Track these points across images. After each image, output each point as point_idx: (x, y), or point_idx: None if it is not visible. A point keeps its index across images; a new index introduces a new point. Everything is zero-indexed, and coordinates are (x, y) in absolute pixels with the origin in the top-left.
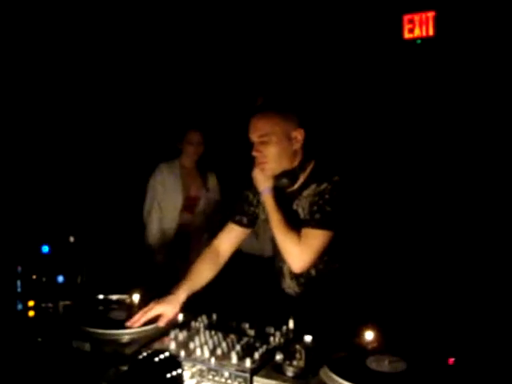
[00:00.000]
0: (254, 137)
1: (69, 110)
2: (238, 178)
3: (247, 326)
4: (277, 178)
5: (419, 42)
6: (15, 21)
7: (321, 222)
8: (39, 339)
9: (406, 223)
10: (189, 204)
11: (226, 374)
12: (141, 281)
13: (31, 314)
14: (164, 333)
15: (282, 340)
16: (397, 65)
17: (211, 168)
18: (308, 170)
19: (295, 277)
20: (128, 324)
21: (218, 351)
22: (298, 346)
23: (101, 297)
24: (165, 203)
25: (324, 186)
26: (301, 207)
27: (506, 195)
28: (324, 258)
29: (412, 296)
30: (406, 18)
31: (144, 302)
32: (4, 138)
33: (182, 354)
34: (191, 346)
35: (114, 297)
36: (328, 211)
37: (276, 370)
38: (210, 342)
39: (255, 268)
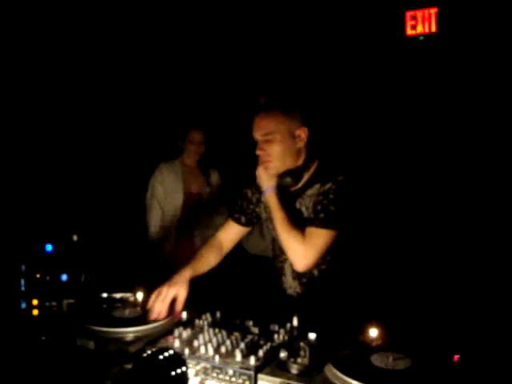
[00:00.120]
0: (258, 135)
1: (71, 109)
2: (240, 175)
3: (251, 323)
4: (280, 176)
5: (422, 38)
6: (15, 21)
7: (325, 221)
8: (43, 338)
9: (409, 222)
10: (191, 201)
11: (231, 371)
12: (144, 278)
13: (35, 312)
14: (168, 331)
15: (286, 337)
16: (399, 61)
17: (214, 165)
18: (312, 169)
19: (297, 277)
20: (153, 318)
21: (222, 349)
22: (302, 344)
23: (104, 295)
24: (165, 202)
25: (328, 185)
26: (304, 206)
27: (508, 192)
28: (327, 258)
29: (416, 293)
30: (409, 14)
31: (148, 300)
32: (8, 138)
33: (187, 351)
34: (195, 343)
35: (118, 295)
36: (332, 211)
37: (280, 368)
38: (214, 340)
39: (260, 267)
